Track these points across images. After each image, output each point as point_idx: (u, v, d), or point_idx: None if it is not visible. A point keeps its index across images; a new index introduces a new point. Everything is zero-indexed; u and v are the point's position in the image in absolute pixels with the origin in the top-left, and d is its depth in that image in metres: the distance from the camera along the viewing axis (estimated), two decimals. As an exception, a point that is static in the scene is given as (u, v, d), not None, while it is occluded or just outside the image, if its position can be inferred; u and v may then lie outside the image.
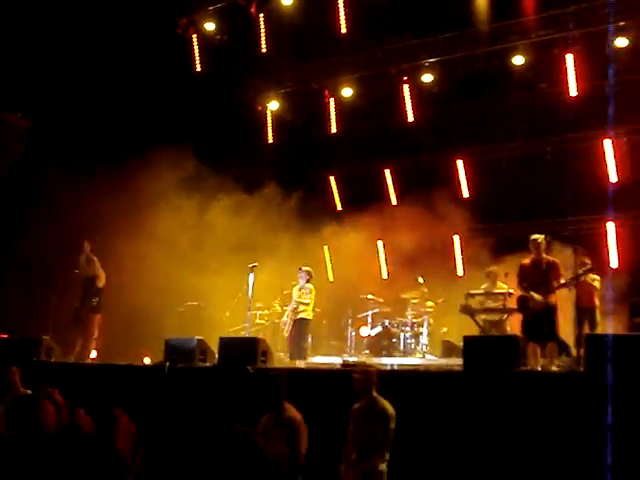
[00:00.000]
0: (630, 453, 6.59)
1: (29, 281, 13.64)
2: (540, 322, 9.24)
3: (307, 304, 11.98)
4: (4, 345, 11.33)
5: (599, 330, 10.52)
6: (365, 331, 13.02)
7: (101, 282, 12.20)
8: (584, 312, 11.05)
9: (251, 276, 11.41)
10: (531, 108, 14.57)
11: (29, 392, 7.30)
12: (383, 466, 6.47)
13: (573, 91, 13.43)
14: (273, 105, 16.34)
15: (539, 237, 9.77)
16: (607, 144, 13.60)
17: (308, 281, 12.13)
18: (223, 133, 15.34)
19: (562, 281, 9.51)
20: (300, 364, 11.29)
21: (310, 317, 12.08)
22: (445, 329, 13.00)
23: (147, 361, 11.60)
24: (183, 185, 14.21)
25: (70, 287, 12.42)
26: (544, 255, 9.70)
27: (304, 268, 12.22)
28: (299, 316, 11.94)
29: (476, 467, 7.18)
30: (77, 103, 14.29)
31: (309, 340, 12.32)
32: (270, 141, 16.28)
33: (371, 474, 6.43)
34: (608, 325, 10.57)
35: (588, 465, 6.61)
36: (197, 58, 15.67)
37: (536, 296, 9.38)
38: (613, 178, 13.53)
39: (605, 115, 12.21)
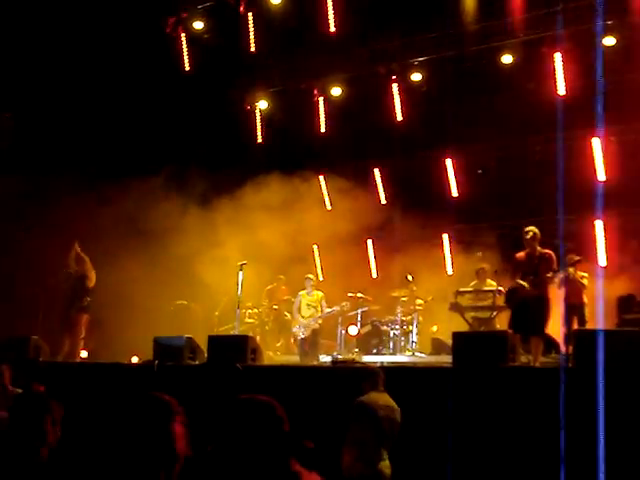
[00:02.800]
0: (620, 447, 6.61)
1: (17, 280, 13.57)
2: (526, 313, 9.22)
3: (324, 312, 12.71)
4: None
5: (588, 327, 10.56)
6: (354, 330, 13.02)
7: (91, 282, 12.12)
8: (573, 309, 11.11)
9: (240, 274, 11.39)
10: (520, 107, 14.60)
11: (19, 391, 7.27)
12: (387, 462, 6.47)
13: (561, 90, 13.48)
14: (262, 104, 16.33)
15: (533, 229, 9.77)
16: (595, 143, 13.65)
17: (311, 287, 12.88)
18: (212, 132, 15.34)
19: (553, 274, 9.49)
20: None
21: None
22: (435, 327, 13.03)
23: (135, 360, 11.56)
24: (173, 185, 14.19)
25: (59, 286, 12.36)
26: (538, 248, 9.70)
27: (309, 276, 13.12)
28: (319, 322, 12.64)
29: (467, 462, 7.18)
30: (64, 102, 14.26)
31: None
32: (259, 140, 16.28)
33: (379, 468, 6.40)
34: (597, 322, 10.60)
35: (578, 458, 6.62)
36: (186, 57, 15.65)
37: (524, 283, 9.37)
38: (601, 177, 13.58)
39: (593, 114, 12.27)
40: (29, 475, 3.55)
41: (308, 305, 12.70)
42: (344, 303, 12.64)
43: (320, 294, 12.81)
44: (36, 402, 3.83)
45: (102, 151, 14.64)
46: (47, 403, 3.83)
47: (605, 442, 6.49)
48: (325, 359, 11.68)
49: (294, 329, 12.83)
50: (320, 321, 12.66)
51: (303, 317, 12.67)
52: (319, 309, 12.65)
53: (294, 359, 12.55)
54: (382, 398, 6.69)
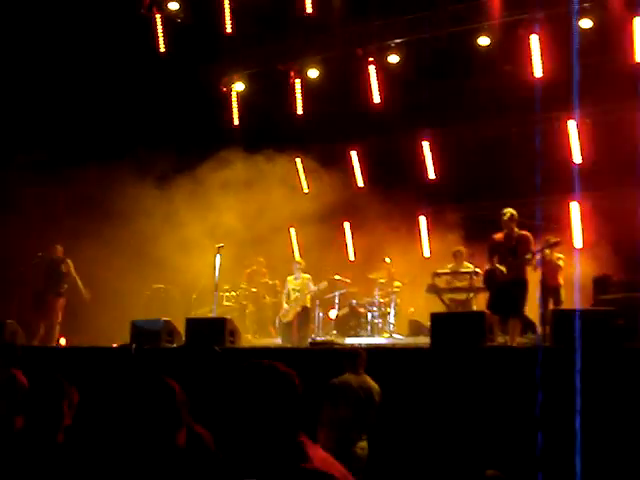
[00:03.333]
0: (596, 425, 6.69)
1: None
2: (505, 296, 9.29)
3: (307, 294, 12.56)
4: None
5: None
6: (333, 313, 13.05)
7: (66, 267, 12.05)
8: (549, 290, 11.19)
9: (218, 257, 11.33)
10: (496, 89, 14.63)
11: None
12: (364, 444, 6.51)
13: (538, 72, 13.51)
14: (239, 86, 16.20)
15: (510, 211, 9.81)
16: (571, 125, 13.73)
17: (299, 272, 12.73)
18: (188, 114, 15.21)
19: (529, 256, 9.54)
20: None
21: (309, 305, 12.66)
22: (412, 309, 13.07)
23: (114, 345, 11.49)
24: (148, 168, 14.07)
25: (33, 270, 12.26)
26: (515, 229, 9.75)
27: (299, 260, 13.14)
28: (304, 304, 12.45)
29: (445, 442, 7.23)
30: (40, 86, 14.09)
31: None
32: (236, 123, 16.16)
33: (353, 449, 6.43)
34: (573, 302, 10.69)
35: (556, 437, 6.68)
36: (161, 38, 15.48)
37: (501, 268, 9.43)
38: (577, 159, 13.66)
39: (569, 96, 12.29)
40: (47, 456, 3.74)
41: (293, 289, 12.65)
42: (322, 282, 12.62)
43: (306, 277, 12.69)
44: (54, 386, 4.00)
45: (74, 132, 14.48)
46: (64, 387, 4.01)
47: (582, 420, 6.56)
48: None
49: (281, 313, 12.76)
50: (304, 303, 12.50)
51: (288, 303, 12.60)
52: (305, 291, 12.55)
53: (273, 342, 12.55)
54: (358, 379, 6.72)
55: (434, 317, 8.47)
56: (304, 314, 12.48)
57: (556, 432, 6.68)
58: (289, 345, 11.83)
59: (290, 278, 12.84)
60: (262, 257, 13.96)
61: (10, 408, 6.82)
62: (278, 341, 12.49)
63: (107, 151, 13.76)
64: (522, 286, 9.46)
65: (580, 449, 6.38)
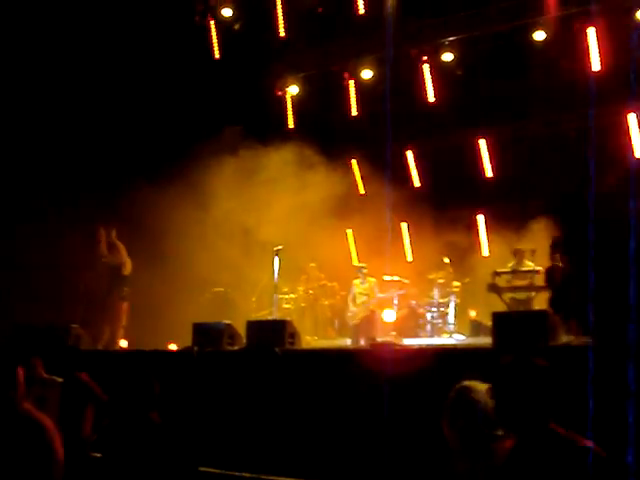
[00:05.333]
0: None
1: (58, 269, 13.72)
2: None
3: (376, 297, 12.74)
4: (34, 333, 11.41)
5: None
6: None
7: (127, 270, 12.27)
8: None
9: (276, 259, 11.41)
10: (553, 85, 14.40)
11: (58, 379, 7.37)
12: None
13: (596, 66, 13.28)
14: (293, 89, 16.29)
15: None
16: (631, 118, 13.44)
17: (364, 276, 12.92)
18: (244, 120, 15.34)
19: None
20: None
21: (377, 309, 12.76)
22: (473, 312, 12.92)
23: (173, 347, 11.64)
24: (208, 173, 14.20)
25: (97, 277, 12.50)
26: None
27: (363, 264, 13.24)
28: (372, 308, 12.62)
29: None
30: (100, 97, 14.36)
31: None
32: (291, 126, 16.25)
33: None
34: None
35: (613, 437, 6.52)
36: (215, 45, 15.67)
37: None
38: (638, 152, 13.38)
39: (628, 89, 12.04)
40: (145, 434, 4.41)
41: (360, 293, 12.82)
42: (392, 289, 12.83)
43: (373, 281, 12.84)
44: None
45: (129, 143, 14.72)
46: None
47: (635, 420, 6.38)
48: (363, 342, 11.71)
49: (348, 315, 12.96)
50: (373, 307, 12.67)
51: (356, 306, 12.76)
52: (372, 296, 12.71)
53: (332, 343, 12.59)
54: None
55: (496, 316, 8.35)
56: (372, 317, 12.62)
57: (610, 432, 6.49)
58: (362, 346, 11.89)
59: (356, 282, 12.95)
60: (317, 261, 13.98)
61: (78, 405, 7.05)
62: (336, 342, 12.52)
63: (168, 159, 13.93)
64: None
65: (633, 454, 6.21)
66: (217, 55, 15.65)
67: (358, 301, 12.73)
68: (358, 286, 12.87)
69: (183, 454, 4.23)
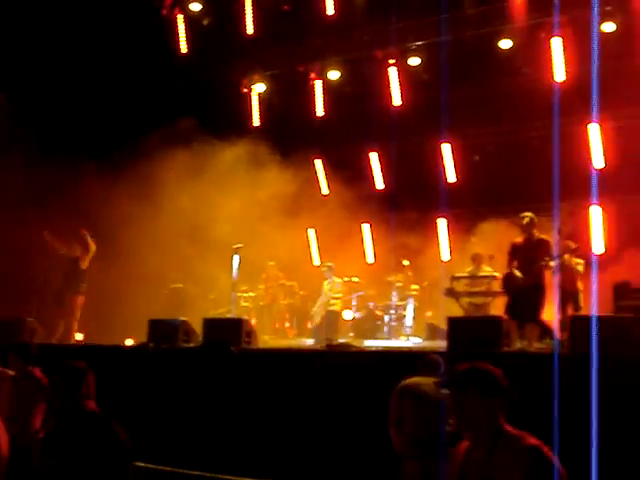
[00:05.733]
0: (613, 433, 6.61)
1: (10, 264, 13.52)
2: (522, 302, 9.25)
3: (339, 297, 12.91)
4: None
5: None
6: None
7: (84, 264, 12.11)
8: (568, 295, 11.11)
9: (236, 258, 11.35)
10: (518, 92, 14.54)
11: (10, 373, 7.27)
12: None
13: (560, 76, 13.44)
14: (259, 87, 16.24)
15: (529, 215, 9.77)
16: (592, 129, 13.63)
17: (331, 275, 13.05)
18: (208, 115, 15.24)
19: (547, 260, 9.49)
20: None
21: (339, 309, 12.93)
22: (429, 313, 13.03)
23: (129, 342, 11.54)
24: (166, 167, 14.09)
25: (53, 268, 12.34)
26: (535, 233, 9.70)
27: (327, 264, 13.32)
28: (331, 308, 12.79)
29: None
30: (64, 88, 14.19)
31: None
32: (256, 124, 16.20)
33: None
34: (592, 308, 10.60)
35: (572, 444, 6.61)
36: (182, 39, 15.56)
37: (517, 273, 9.39)
38: (598, 163, 13.56)
39: (590, 100, 12.19)
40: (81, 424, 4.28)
41: (328, 294, 12.97)
42: (360, 292, 13.03)
43: (339, 281, 13.04)
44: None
45: (94, 135, 14.56)
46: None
47: (598, 429, 6.48)
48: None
49: (311, 317, 13.10)
50: (333, 307, 12.79)
51: (316, 306, 12.98)
52: (335, 294, 12.89)
53: (289, 343, 12.57)
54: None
55: (451, 321, 8.42)
56: (332, 317, 12.68)
57: (572, 441, 6.59)
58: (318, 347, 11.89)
59: (324, 283, 13.06)
60: (276, 260, 13.96)
61: (28, 402, 6.96)
62: (294, 342, 12.52)
63: (122, 151, 13.78)
64: (540, 291, 9.41)
65: (597, 458, 6.31)
66: (184, 49, 15.52)
67: (318, 302, 12.77)
68: (326, 286, 13.01)
69: (120, 447, 4.17)
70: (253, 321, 11.27)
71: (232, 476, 8.04)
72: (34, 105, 14.07)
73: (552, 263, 9.72)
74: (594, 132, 13.57)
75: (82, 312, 12.02)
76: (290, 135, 15.42)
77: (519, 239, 9.78)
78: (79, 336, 12.01)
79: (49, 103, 14.20)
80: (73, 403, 4.41)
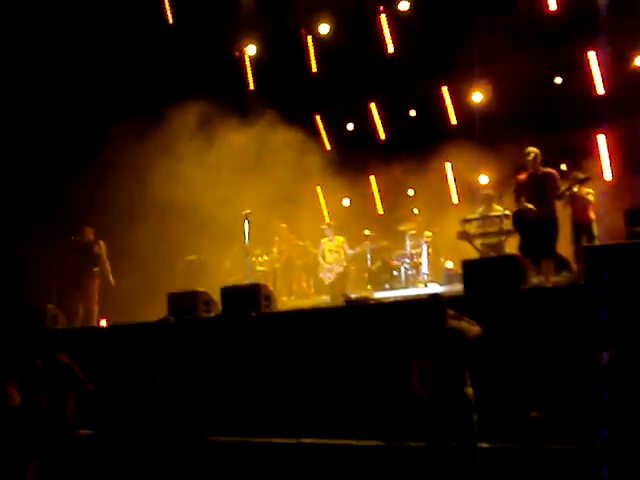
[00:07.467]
0: (627, 358, 6.64)
1: (29, 253, 13.62)
2: (535, 237, 9.21)
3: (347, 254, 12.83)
4: (11, 316, 11.36)
5: (597, 243, 10.53)
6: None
7: (98, 248, 12.21)
8: (581, 227, 11.07)
9: (246, 223, 11.38)
10: (513, 25, 14.30)
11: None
12: (470, 389, 6.43)
13: (553, 5, 13.28)
14: (251, 50, 16.09)
15: (533, 150, 9.67)
16: (592, 56, 13.48)
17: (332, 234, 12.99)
18: (203, 83, 15.12)
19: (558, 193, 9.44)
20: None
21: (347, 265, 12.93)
22: (449, 262, 12.97)
23: (102, 323, 11.70)
24: (174, 136, 14.02)
25: (68, 254, 12.42)
26: (540, 168, 9.62)
27: (330, 223, 13.29)
28: (344, 265, 12.75)
29: (488, 385, 7.22)
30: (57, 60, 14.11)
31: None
32: (251, 87, 16.09)
33: (464, 395, 6.37)
34: (606, 237, 10.59)
35: (587, 375, 6.64)
36: (167, 7, 15.43)
37: (529, 206, 9.31)
38: (600, 90, 13.44)
39: (588, 28, 12.07)
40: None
41: (330, 251, 12.91)
42: (365, 243, 12.86)
43: (341, 239, 12.94)
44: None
45: (94, 111, 14.50)
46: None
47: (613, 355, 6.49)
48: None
49: (321, 275, 13.05)
50: (345, 264, 12.80)
51: (328, 263, 12.84)
52: (342, 253, 12.80)
53: (307, 302, 12.64)
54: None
55: (465, 264, 8.43)
56: (345, 274, 12.74)
57: (587, 368, 6.61)
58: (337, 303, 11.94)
59: (324, 240, 13.02)
60: (286, 222, 13.95)
61: (60, 386, 7.11)
62: (313, 301, 12.58)
63: (127, 118, 13.72)
64: (552, 225, 9.36)
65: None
66: (171, 20, 15.39)
67: (329, 259, 12.79)
68: (327, 244, 12.95)
69: (188, 419, 4.36)
70: (270, 285, 11.28)
71: (265, 438, 8.19)
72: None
73: (564, 194, 9.66)
74: (594, 59, 13.43)
75: (102, 295, 12.14)
76: (286, 95, 15.27)
77: (523, 175, 9.70)
78: (103, 323, 12.11)
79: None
80: None
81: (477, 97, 14.82)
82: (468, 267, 8.34)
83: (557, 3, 13.19)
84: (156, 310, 10.60)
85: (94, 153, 13.66)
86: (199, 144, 13.90)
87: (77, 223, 12.56)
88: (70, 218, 13.00)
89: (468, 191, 13.92)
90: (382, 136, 15.73)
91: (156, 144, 13.66)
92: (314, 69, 15.47)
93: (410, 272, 12.64)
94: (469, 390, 6.35)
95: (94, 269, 12.02)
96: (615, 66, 13.36)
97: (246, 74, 16.07)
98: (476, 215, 11.81)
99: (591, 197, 11.29)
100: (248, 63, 16.10)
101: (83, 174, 13.57)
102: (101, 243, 12.25)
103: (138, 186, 13.37)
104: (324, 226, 13.23)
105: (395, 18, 14.77)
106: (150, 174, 13.28)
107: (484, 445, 6.41)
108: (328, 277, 12.82)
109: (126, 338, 9.97)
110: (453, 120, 14.97)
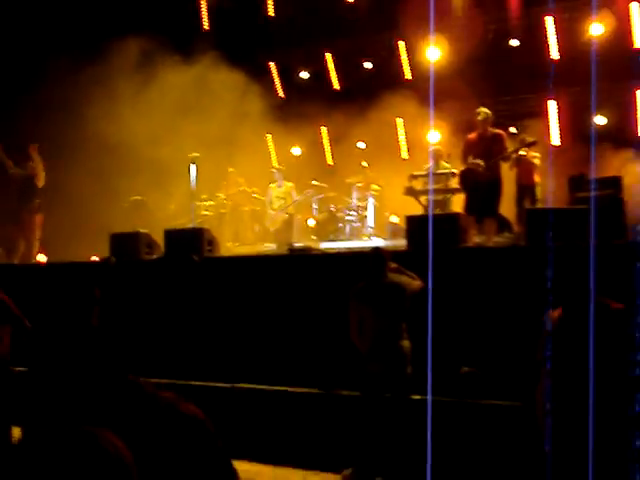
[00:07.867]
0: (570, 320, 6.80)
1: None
2: (480, 197, 9.33)
3: (286, 200, 12.82)
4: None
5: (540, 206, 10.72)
6: (312, 222, 13.14)
7: (40, 182, 11.89)
8: (525, 190, 11.26)
9: (193, 167, 11.24)
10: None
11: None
12: (407, 342, 6.52)
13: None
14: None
15: (484, 110, 9.74)
16: (549, 21, 13.52)
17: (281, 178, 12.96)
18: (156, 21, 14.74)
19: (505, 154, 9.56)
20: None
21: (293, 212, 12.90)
22: (394, 217, 13.05)
23: (95, 258, 11.48)
24: (118, 72, 13.66)
25: (6, 188, 12.11)
26: (489, 129, 9.70)
27: (279, 167, 13.28)
28: (289, 212, 12.74)
29: (420, 341, 7.34)
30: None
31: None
32: (206, 28, 15.75)
33: (400, 348, 6.48)
34: (548, 201, 10.77)
35: (531, 332, 6.80)
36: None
37: (478, 161, 9.40)
38: (555, 55, 13.52)
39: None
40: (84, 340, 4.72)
41: (277, 197, 12.87)
42: (308, 191, 12.76)
43: (290, 185, 12.89)
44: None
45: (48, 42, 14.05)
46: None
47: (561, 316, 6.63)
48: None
49: (267, 223, 13.01)
50: (291, 210, 12.77)
51: (274, 210, 12.78)
52: (289, 200, 12.76)
53: (252, 249, 12.61)
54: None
55: (409, 220, 8.51)
56: (290, 221, 12.70)
57: (529, 333, 6.78)
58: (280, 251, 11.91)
59: (272, 186, 12.94)
60: (235, 166, 13.82)
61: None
62: (257, 248, 12.54)
63: (69, 51, 13.32)
64: (496, 186, 9.50)
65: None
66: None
67: (275, 205, 12.77)
68: (275, 190, 12.92)
69: (119, 360, 4.36)
70: (215, 231, 11.20)
71: (199, 381, 8.21)
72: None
73: (510, 156, 9.78)
74: (550, 24, 13.48)
75: (43, 232, 11.90)
76: (241, 38, 15.01)
77: (473, 134, 9.78)
78: (42, 258, 11.90)
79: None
80: None
81: (432, 54, 14.75)
82: (412, 222, 8.42)
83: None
84: (96, 249, 10.48)
85: (31, 88, 13.24)
86: (140, 81, 13.57)
87: (13, 158, 12.18)
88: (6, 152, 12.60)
89: (418, 147, 13.96)
90: (336, 86, 15.60)
91: (95, 80, 13.33)
92: (271, 12, 15.18)
93: (355, 224, 12.67)
94: (405, 343, 6.46)
95: (36, 201, 11.72)
96: (570, 34, 13.42)
97: (201, 13, 15.69)
98: (423, 172, 11.87)
99: (537, 161, 11.46)
100: (204, 2, 15.71)
101: (20, 108, 13.18)
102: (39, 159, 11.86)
103: (75, 122, 13.05)
104: (273, 170, 13.19)
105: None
106: (87, 111, 12.99)
107: (416, 397, 6.53)
108: (272, 224, 12.82)
109: (65, 276, 9.83)
110: (408, 75, 14.90)
